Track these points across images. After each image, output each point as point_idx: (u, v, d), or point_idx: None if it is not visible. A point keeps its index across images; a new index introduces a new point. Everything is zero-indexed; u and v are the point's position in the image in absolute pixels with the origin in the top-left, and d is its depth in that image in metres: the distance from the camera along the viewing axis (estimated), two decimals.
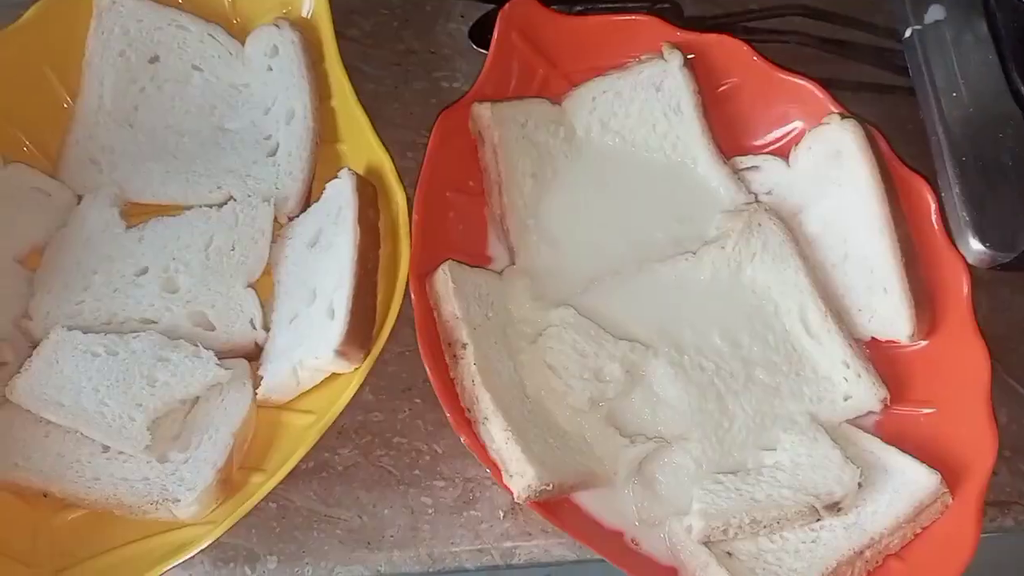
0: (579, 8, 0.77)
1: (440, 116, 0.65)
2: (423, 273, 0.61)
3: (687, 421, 0.61)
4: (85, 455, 0.59)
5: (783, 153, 0.70)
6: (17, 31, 0.67)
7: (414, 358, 0.67)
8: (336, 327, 0.57)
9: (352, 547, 0.62)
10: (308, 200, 0.68)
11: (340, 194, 0.64)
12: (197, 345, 0.61)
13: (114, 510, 0.57)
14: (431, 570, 0.62)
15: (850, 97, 0.71)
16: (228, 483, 0.58)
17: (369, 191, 0.64)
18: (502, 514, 0.63)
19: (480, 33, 0.78)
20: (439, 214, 0.65)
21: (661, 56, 0.70)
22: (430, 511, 0.63)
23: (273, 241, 0.66)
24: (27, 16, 0.68)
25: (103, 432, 0.58)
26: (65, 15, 0.69)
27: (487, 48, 0.77)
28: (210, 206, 0.67)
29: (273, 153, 0.69)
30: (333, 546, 0.62)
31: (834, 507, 0.58)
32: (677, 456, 0.61)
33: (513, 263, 0.66)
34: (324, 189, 0.66)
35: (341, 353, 0.56)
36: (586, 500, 0.60)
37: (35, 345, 0.61)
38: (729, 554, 0.59)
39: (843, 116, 0.66)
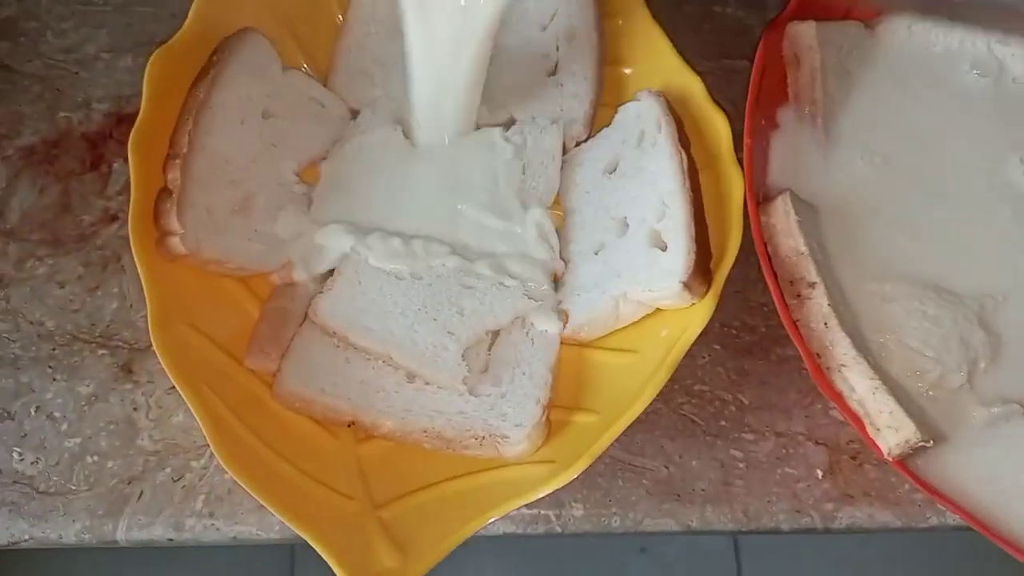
0: None
1: (763, 36, 0.59)
2: (757, 205, 0.55)
3: None
4: (391, 384, 0.54)
5: None
6: None
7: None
8: (676, 258, 0.52)
9: (661, 499, 0.57)
10: (592, 125, 0.63)
11: (641, 117, 0.59)
12: (497, 273, 0.56)
13: (426, 443, 0.52)
14: (744, 528, 0.57)
15: None
16: (548, 421, 0.53)
17: (676, 116, 0.58)
18: (820, 473, 0.58)
19: None
20: (758, 141, 0.59)
21: None
22: (741, 466, 0.58)
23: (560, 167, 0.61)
24: None
25: (416, 360, 0.53)
26: None
27: None
28: (494, 126, 0.62)
29: (553, 73, 0.64)
30: (641, 496, 0.57)
31: None
32: None
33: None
34: (616, 112, 0.61)
35: (687, 286, 0.51)
36: (920, 464, 0.54)
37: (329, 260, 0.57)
38: None
39: None
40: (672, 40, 0.68)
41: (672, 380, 0.59)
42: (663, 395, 0.59)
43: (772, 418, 0.59)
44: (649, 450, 0.58)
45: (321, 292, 0.55)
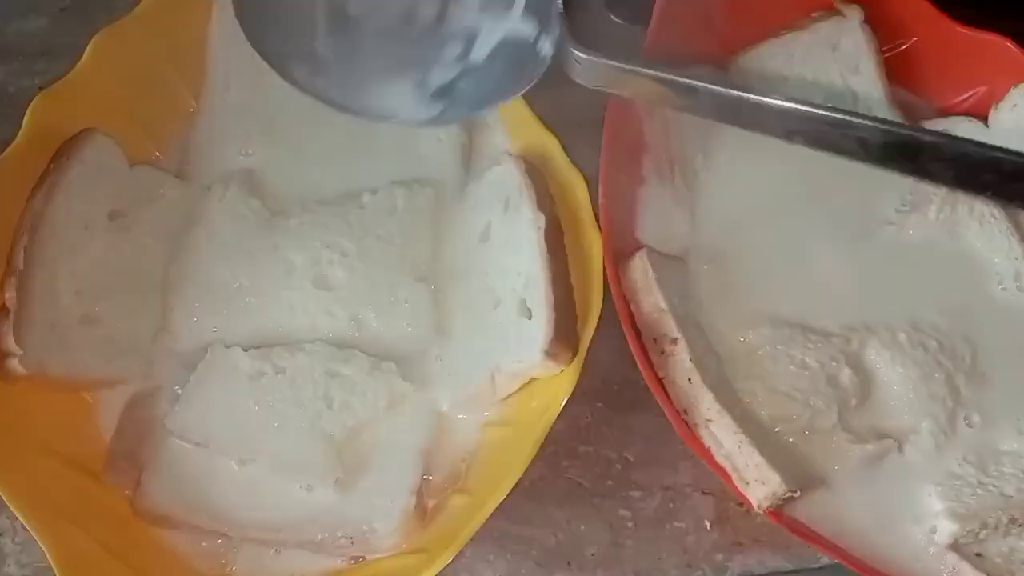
0: None
1: None
2: (617, 263, 0.55)
3: (914, 409, 0.55)
4: (259, 490, 0.52)
5: (970, 115, 0.64)
6: (135, 22, 0.60)
7: (590, 358, 0.60)
8: (539, 326, 0.51)
9: (551, 569, 0.56)
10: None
11: (505, 183, 0.58)
12: (371, 356, 0.55)
13: (304, 549, 0.51)
14: None
15: None
16: (423, 508, 0.52)
17: (538, 177, 0.58)
18: (708, 524, 0.58)
19: (617, 3, 0.73)
20: (619, 199, 0.59)
21: (836, 13, 0.64)
22: (630, 524, 0.57)
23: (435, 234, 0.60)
24: (143, 6, 0.61)
25: (284, 464, 0.52)
26: (183, 3, 0.63)
27: (624, 19, 0.72)
28: (364, 191, 0.60)
29: (420, 140, 0.63)
30: (530, 569, 0.56)
31: None
32: (906, 450, 0.55)
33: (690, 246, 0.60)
34: (484, 178, 0.60)
35: (549, 354, 0.51)
36: (800, 507, 0.53)
37: (183, 365, 0.55)
38: (979, 555, 0.53)
39: None
40: (543, 95, 0.68)
41: (556, 444, 0.60)
42: (547, 461, 0.59)
43: (659, 472, 0.59)
44: (537, 519, 0.57)
45: (179, 399, 0.53)
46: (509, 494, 0.53)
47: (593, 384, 0.61)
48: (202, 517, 0.51)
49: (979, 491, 0.53)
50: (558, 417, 0.59)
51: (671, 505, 0.58)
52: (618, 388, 0.61)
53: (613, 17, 0.72)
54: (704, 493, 0.58)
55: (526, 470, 0.58)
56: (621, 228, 0.58)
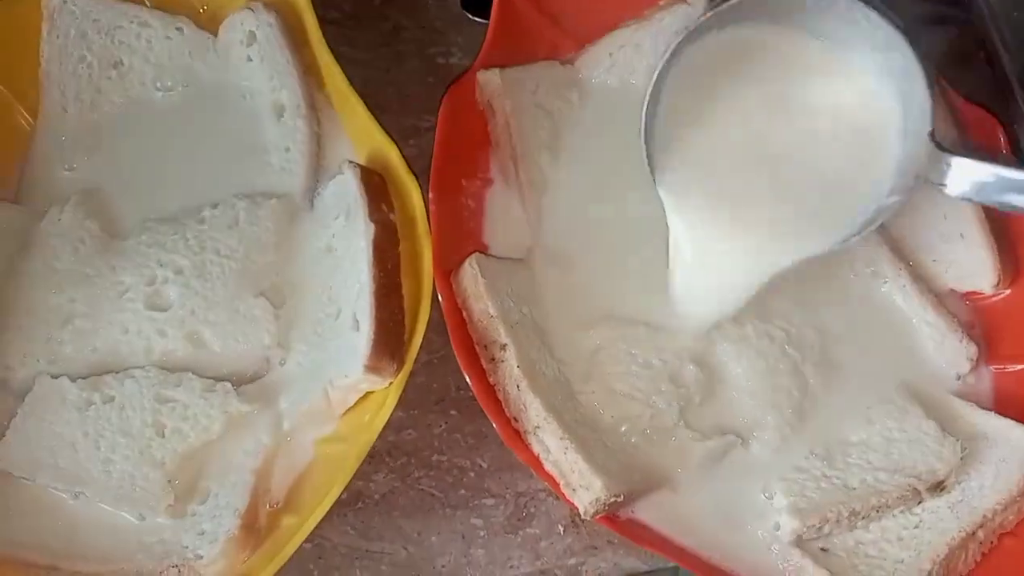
0: None
1: (447, 92, 0.58)
2: (448, 270, 0.54)
3: (759, 403, 0.55)
4: (90, 523, 0.51)
5: None
6: None
7: (443, 366, 0.60)
8: (362, 339, 0.50)
9: None
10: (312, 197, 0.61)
11: (346, 191, 0.57)
12: (206, 377, 0.54)
13: None
14: None
15: None
16: (254, 530, 0.51)
17: (377, 184, 0.57)
18: (562, 529, 0.57)
19: (474, 0, 0.71)
20: (454, 203, 0.58)
21: (682, 1, 0.62)
22: (482, 533, 0.57)
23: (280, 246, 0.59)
24: None
25: (113, 496, 0.51)
26: (12, 23, 0.61)
27: (484, 16, 0.70)
28: (206, 206, 0.58)
29: (267, 151, 0.61)
30: None
31: (937, 487, 0.52)
32: (751, 445, 0.54)
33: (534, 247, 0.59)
34: (328, 187, 0.59)
35: (371, 368, 0.49)
36: (644, 509, 0.52)
37: (16, 396, 0.54)
38: (824, 550, 0.52)
39: None
40: (398, 97, 0.67)
41: (408, 455, 0.59)
42: (399, 473, 0.58)
43: (512, 479, 0.58)
44: (387, 533, 0.56)
45: (4, 432, 0.52)
46: (356, 508, 0.53)
47: (447, 392, 0.60)
48: (31, 552, 0.50)
49: (823, 485, 0.52)
50: (411, 427, 0.59)
51: (525, 511, 0.57)
52: (472, 395, 0.59)
53: (469, 16, 0.71)
54: (558, 498, 0.57)
55: (377, 483, 0.58)
56: (458, 234, 0.57)
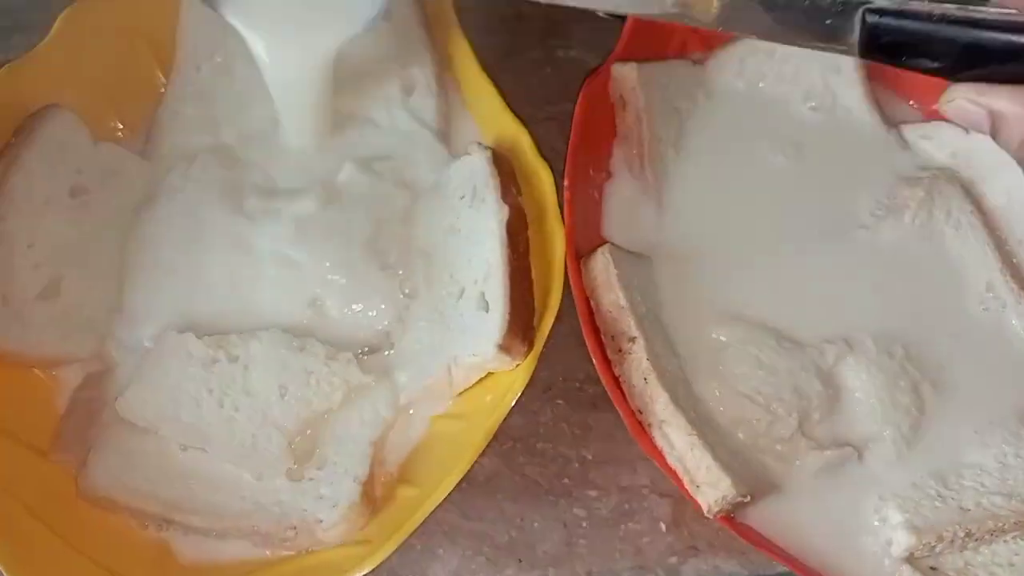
0: None
1: (585, 83, 0.58)
2: (578, 258, 0.54)
3: (876, 417, 0.54)
4: (206, 478, 0.51)
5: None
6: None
7: (552, 354, 0.59)
8: (494, 319, 0.50)
9: (502, 565, 0.55)
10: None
11: (474, 172, 0.57)
12: (328, 344, 0.54)
13: (248, 539, 0.51)
14: None
15: None
16: (371, 499, 0.51)
17: (507, 167, 0.57)
18: (664, 527, 0.57)
19: None
20: (585, 193, 0.58)
21: None
22: (584, 524, 0.57)
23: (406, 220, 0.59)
24: None
25: (235, 454, 0.51)
26: None
27: (610, 14, 0.71)
28: (338, 173, 0.59)
29: (396, 128, 0.62)
30: (481, 565, 0.55)
31: None
32: (867, 459, 0.54)
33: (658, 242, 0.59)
34: (454, 167, 0.59)
35: (504, 348, 0.50)
36: (754, 513, 0.52)
37: (141, 350, 0.54)
38: (934, 569, 0.52)
39: None
40: (516, 85, 0.67)
41: (513, 440, 0.59)
42: (504, 457, 0.58)
43: (616, 472, 0.58)
44: (490, 515, 0.57)
45: (130, 382, 0.53)
46: (460, 488, 0.52)
47: (555, 381, 0.60)
48: (147, 502, 0.50)
49: (938, 504, 0.52)
50: (517, 413, 0.58)
51: (627, 506, 0.57)
52: (580, 385, 0.60)
53: (599, 12, 0.71)
54: (662, 495, 0.57)
55: (482, 465, 0.58)
56: (586, 223, 0.57)
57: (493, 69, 0.69)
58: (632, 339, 0.52)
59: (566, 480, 0.58)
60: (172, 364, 0.53)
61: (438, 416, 0.54)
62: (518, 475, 0.58)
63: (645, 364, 0.51)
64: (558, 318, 0.53)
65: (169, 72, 0.63)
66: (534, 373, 0.60)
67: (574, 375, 0.60)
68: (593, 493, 0.57)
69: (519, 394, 0.51)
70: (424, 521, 0.52)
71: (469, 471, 0.57)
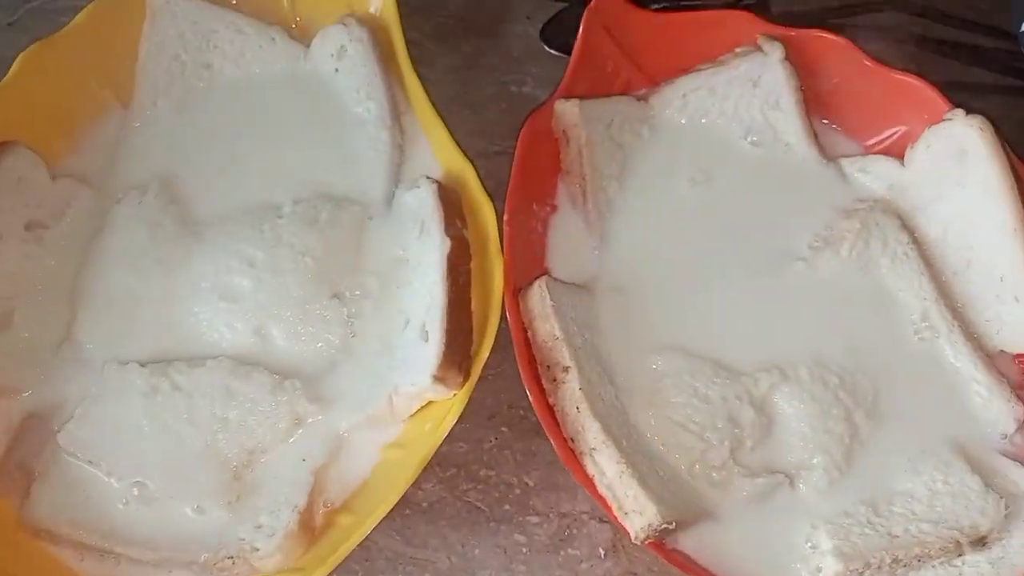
0: (656, 6, 0.72)
1: (528, 119, 0.60)
2: (516, 290, 0.56)
3: (809, 445, 0.55)
4: (146, 510, 0.52)
5: (888, 154, 0.65)
6: (66, 36, 0.62)
7: (497, 382, 0.62)
8: (431, 349, 0.52)
9: None
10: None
11: (422, 205, 0.59)
12: (274, 373, 0.55)
13: (187, 569, 0.51)
14: None
15: (966, 99, 0.65)
16: (310, 527, 0.52)
17: (453, 200, 0.59)
18: (603, 552, 0.58)
19: (552, 34, 0.74)
20: (526, 226, 0.60)
21: (758, 50, 0.65)
22: (524, 550, 0.58)
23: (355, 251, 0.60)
24: (77, 20, 0.63)
25: (175, 487, 0.52)
26: (116, 19, 0.64)
27: (559, 50, 0.72)
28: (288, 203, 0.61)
29: (350, 160, 0.63)
30: None
31: (980, 541, 0.53)
32: (799, 486, 0.55)
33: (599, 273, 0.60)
34: (404, 199, 0.61)
35: (439, 378, 0.51)
36: (687, 540, 0.53)
37: (93, 372, 0.56)
38: None
39: (968, 112, 0.60)
40: (471, 120, 0.69)
41: (457, 467, 0.60)
42: (447, 484, 0.59)
43: (557, 499, 0.59)
44: (432, 541, 0.58)
45: (72, 415, 0.53)
46: (403, 514, 0.54)
47: (499, 408, 0.62)
48: (87, 534, 0.51)
49: (867, 531, 0.53)
50: (461, 440, 0.61)
51: (567, 532, 0.58)
52: (524, 413, 0.61)
53: (547, 48, 0.74)
54: (601, 521, 0.58)
55: (425, 492, 0.59)
56: (529, 255, 0.59)
57: (451, 104, 0.72)
58: (566, 369, 0.53)
59: (507, 506, 0.59)
60: (114, 396, 0.54)
61: (387, 445, 0.55)
62: (460, 501, 0.59)
63: (578, 393, 0.52)
64: (503, 347, 0.55)
65: (128, 107, 0.65)
66: (479, 401, 0.61)
67: (519, 403, 0.62)
68: (534, 519, 0.59)
69: (453, 423, 0.52)
70: (366, 548, 0.53)
71: (412, 498, 0.59)
